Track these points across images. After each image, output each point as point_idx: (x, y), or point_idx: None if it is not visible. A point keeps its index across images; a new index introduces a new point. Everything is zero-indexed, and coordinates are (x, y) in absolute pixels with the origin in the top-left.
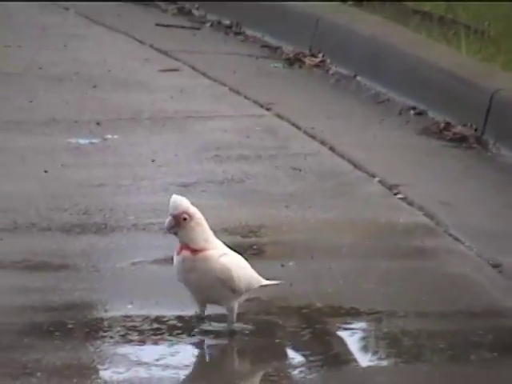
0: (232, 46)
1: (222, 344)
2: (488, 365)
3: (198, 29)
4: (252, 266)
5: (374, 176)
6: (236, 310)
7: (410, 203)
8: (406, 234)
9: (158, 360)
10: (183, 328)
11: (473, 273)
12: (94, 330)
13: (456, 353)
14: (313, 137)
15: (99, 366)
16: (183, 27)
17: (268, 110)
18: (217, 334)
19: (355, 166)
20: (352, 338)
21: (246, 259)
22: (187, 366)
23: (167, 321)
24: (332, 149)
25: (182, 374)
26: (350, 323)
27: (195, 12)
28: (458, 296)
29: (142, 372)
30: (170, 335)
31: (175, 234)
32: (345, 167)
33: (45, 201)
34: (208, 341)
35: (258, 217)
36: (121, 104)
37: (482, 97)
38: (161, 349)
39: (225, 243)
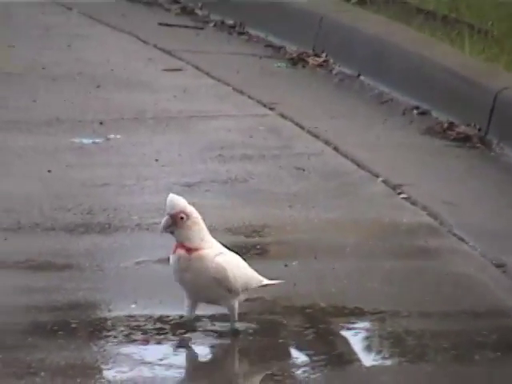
0: (235, 45)
1: (225, 344)
2: (492, 364)
3: (202, 28)
4: (255, 266)
5: (377, 176)
6: (237, 309)
7: (414, 203)
8: (409, 233)
9: (161, 359)
10: (187, 327)
11: (476, 273)
12: (97, 329)
13: (460, 353)
14: (316, 136)
15: (103, 366)
16: (186, 27)
17: (271, 109)
18: (220, 334)
19: (359, 165)
20: (356, 337)
21: (245, 259)
22: (191, 365)
23: (171, 320)
24: (335, 148)
25: (186, 373)
26: (353, 323)
27: (198, 12)
28: (461, 296)
29: (146, 371)
30: (174, 335)
31: (171, 233)
32: (348, 167)
33: (48, 201)
34: (211, 340)
35: (262, 216)
36: (124, 104)
37: (485, 97)
38: (164, 348)
39: (222, 243)
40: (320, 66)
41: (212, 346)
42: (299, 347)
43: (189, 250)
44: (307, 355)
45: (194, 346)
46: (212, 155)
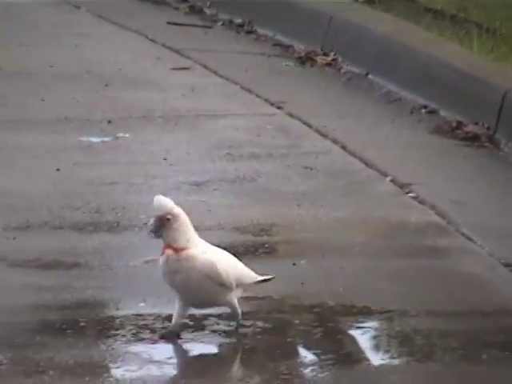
0: (244, 44)
1: (233, 343)
2: (500, 364)
3: (210, 27)
4: (263, 265)
5: (385, 175)
6: (237, 305)
7: (422, 202)
8: (417, 232)
9: (169, 358)
10: (195, 326)
11: (484, 272)
12: (106, 328)
13: (468, 352)
14: (324, 135)
15: (111, 364)
16: (195, 26)
17: (279, 108)
18: (228, 333)
19: (367, 164)
20: (364, 336)
21: (238, 257)
22: (199, 364)
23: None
24: (344, 147)
25: (194, 372)
26: (361, 322)
27: (207, 11)
28: (469, 295)
29: (154, 370)
30: (182, 333)
31: (159, 236)
32: (356, 166)
33: (57, 199)
34: (220, 339)
35: (270, 215)
36: (132, 102)
37: (494, 96)
38: (173, 347)
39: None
40: (328, 64)
41: (220, 345)
42: (307, 346)
43: (176, 251)
44: (315, 354)
45: (202, 345)
46: (220, 154)
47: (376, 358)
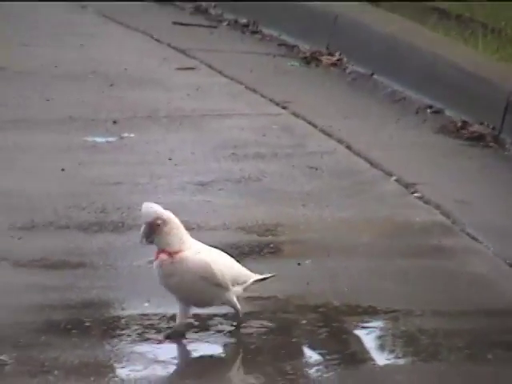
0: (249, 44)
1: (238, 342)
2: (505, 364)
3: (215, 27)
4: (269, 265)
5: (390, 175)
6: (237, 303)
7: (427, 202)
8: (422, 232)
9: (174, 358)
10: (200, 326)
11: (489, 271)
12: (111, 328)
13: (473, 352)
14: (329, 135)
15: (116, 364)
16: (200, 26)
17: (284, 108)
18: (233, 333)
19: (372, 164)
20: (369, 336)
21: (240, 256)
22: (204, 364)
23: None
24: (349, 147)
25: (199, 372)
26: (366, 322)
27: (212, 11)
28: (475, 295)
29: (159, 370)
30: (187, 333)
31: (151, 242)
32: (361, 166)
33: (62, 199)
34: (225, 339)
35: (275, 215)
36: (137, 102)
37: (499, 95)
38: (177, 347)
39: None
40: (333, 64)
41: (225, 345)
42: (312, 346)
43: (170, 254)
44: (320, 354)
45: (207, 345)
46: (225, 154)
47: (381, 358)
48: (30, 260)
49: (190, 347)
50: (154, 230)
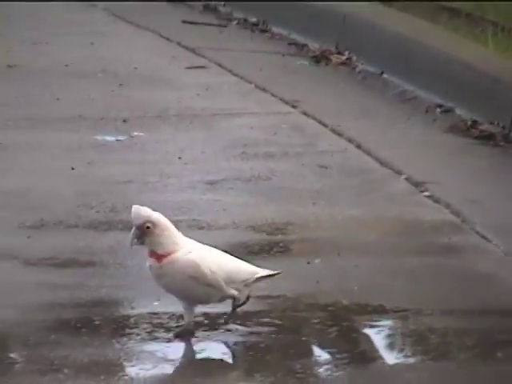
0: (258, 43)
1: (247, 341)
2: None
3: (225, 26)
4: (278, 263)
5: (400, 174)
6: (235, 293)
7: (437, 201)
8: (432, 231)
9: (184, 357)
10: (209, 325)
11: (499, 270)
12: (121, 326)
13: (483, 351)
14: (339, 134)
15: (126, 363)
16: (210, 25)
17: (294, 107)
18: (242, 332)
19: (382, 163)
20: (378, 335)
21: (233, 255)
22: (213, 362)
23: (193, 318)
24: (359, 146)
25: (208, 370)
26: (376, 321)
27: (222, 9)
28: (484, 294)
29: (169, 369)
30: (196, 332)
31: (142, 244)
32: (371, 165)
33: (71, 198)
34: (234, 338)
35: (285, 214)
36: (147, 101)
37: (509, 94)
38: (187, 346)
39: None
40: (343, 63)
41: (234, 344)
42: (322, 345)
43: (159, 258)
44: (330, 353)
45: (216, 344)
46: (235, 153)
47: (391, 357)
48: (39, 258)
49: (199, 346)
50: (144, 233)
